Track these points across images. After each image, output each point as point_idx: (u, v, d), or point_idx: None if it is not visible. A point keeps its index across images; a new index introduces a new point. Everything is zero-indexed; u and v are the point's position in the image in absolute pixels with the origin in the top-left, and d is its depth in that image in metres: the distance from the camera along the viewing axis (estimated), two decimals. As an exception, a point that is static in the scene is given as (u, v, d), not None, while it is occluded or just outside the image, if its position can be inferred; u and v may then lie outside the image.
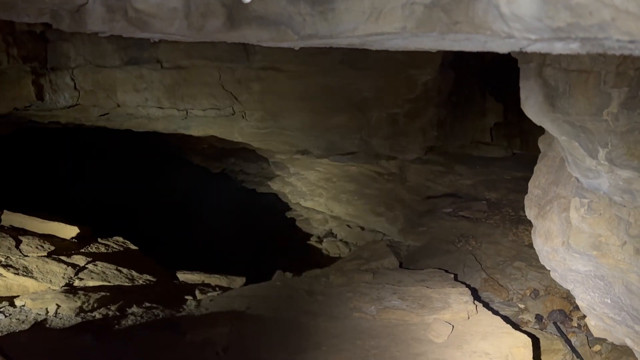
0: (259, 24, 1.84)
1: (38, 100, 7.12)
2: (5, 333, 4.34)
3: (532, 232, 4.18)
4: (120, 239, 6.80)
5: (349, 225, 9.15)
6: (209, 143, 9.90)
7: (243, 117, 7.40)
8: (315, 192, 9.36)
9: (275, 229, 10.44)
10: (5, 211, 6.56)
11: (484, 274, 6.16)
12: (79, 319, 4.74)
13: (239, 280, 6.28)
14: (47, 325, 4.60)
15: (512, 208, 7.30)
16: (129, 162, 11.59)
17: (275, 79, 6.99)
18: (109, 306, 5.02)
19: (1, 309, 4.73)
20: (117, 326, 4.72)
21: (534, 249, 4.22)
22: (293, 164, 9.29)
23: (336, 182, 9.05)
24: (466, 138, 7.78)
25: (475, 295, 5.51)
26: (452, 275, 5.91)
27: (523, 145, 8.57)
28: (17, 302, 4.88)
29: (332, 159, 8.06)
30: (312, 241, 9.72)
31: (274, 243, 10.18)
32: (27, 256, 5.66)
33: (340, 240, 9.29)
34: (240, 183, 11.40)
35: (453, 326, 4.64)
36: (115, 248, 6.59)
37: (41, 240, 6.10)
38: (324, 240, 9.55)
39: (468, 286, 5.63)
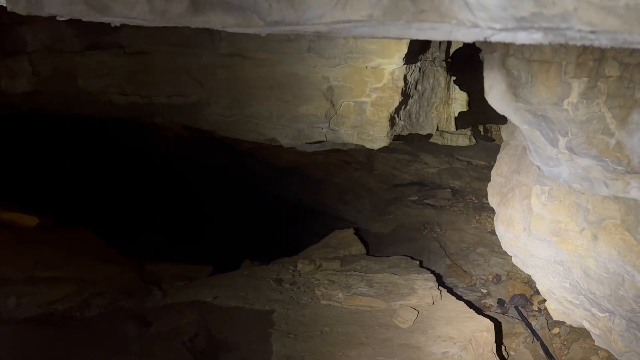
0: (224, 9, 1.80)
1: (-7, 86, 6.83)
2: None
3: (494, 219, 4.28)
4: (83, 229, 6.64)
5: (317, 213, 9.17)
6: (175, 131, 9.72)
7: (208, 104, 7.28)
8: (283, 180, 9.32)
9: (243, 217, 10.38)
10: (-41, 202, 6.32)
11: (448, 260, 6.30)
12: (40, 311, 4.62)
13: (206, 270, 6.23)
14: (7, 317, 4.47)
15: (475, 196, 7.46)
16: (94, 150, 11.27)
17: (242, 66, 6.88)
18: (71, 297, 4.91)
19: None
20: (80, 318, 4.62)
21: (497, 235, 4.33)
22: (261, 152, 9.20)
23: (304, 170, 9.04)
24: (431, 127, 7.87)
25: (440, 281, 5.63)
26: (418, 262, 6.01)
27: (486, 134, 8.73)
28: (-26, 295, 4.72)
29: (300, 148, 8.03)
30: (280, 230, 9.71)
31: (242, 232, 10.11)
32: (-17, 248, 5.46)
33: (307, 228, 9.31)
34: (206, 172, 11.25)
35: (418, 312, 4.74)
36: (78, 239, 6.43)
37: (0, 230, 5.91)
38: (292, 228, 9.55)
39: (433, 272, 5.74)
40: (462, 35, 1.64)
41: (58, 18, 2.51)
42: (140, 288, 5.43)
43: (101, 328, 4.49)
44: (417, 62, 6.91)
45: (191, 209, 10.65)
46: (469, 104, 8.01)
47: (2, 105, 7.67)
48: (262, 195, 10.24)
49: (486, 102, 3.38)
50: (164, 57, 6.73)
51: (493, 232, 5.65)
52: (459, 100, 7.94)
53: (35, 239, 6.14)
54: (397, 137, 8.00)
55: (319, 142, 7.74)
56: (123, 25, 2.53)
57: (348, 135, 7.25)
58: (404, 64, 6.56)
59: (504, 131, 4.50)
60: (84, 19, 2.09)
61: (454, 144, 8.74)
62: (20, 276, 5.24)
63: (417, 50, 6.72)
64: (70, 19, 2.50)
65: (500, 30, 1.34)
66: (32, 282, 5.15)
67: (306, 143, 7.76)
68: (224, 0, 1.74)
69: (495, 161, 4.51)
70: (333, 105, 6.99)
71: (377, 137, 7.07)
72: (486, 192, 4.59)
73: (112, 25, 2.16)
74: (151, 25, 2.00)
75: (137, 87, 6.92)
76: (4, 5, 3.03)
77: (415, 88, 7.14)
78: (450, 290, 5.50)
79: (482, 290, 5.81)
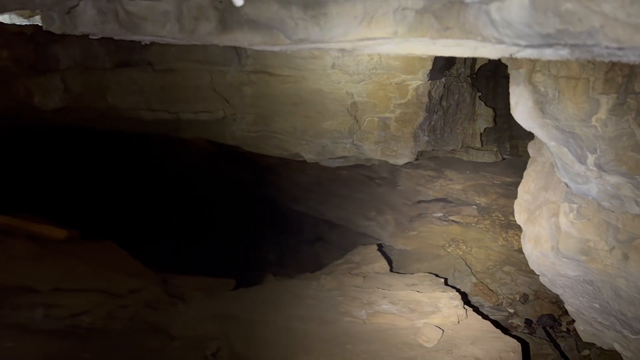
0: (251, 28, 1.84)
1: (28, 103, 7.06)
2: (-9, 337, 4.29)
3: (521, 236, 4.21)
4: (110, 242, 6.74)
5: (340, 230, 9.14)
6: (200, 146, 9.86)
7: (234, 120, 7.38)
8: (306, 196, 9.34)
9: (266, 232, 10.42)
10: (-8, 214, 6.49)
11: (474, 279, 6.19)
12: (66, 322, 4.70)
13: (229, 284, 6.25)
14: (34, 328, 4.55)
15: (502, 213, 7.34)
16: (123, 165, 11.51)
17: (267, 82, 6.98)
18: (97, 310, 4.98)
19: (-13, 313, 4.67)
20: (105, 330, 4.67)
21: (524, 253, 4.25)
22: (284, 167, 9.27)
23: (328, 186, 9.05)
24: (456, 143, 7.81)
25: (466, 300, 5.54)
26: (443, 280, 5.92)
27: (513, 150, 8.63)
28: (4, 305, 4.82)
29: (323, 163, 8.06)
30: (303, 245, 9.71)
31: (265, 247, 10.15)
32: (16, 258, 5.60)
33: (331, 244, 9.28)
34: (230, 186, 11.36)
35: (443, 330, 4.65)
36: (104, 251, 6.53)
37: (29, 242, 6.04)
38: (315, 244, 9.54)
39: (458, 290, 5.65)
40: (487, 51, 1.64)
41: (90, 36, 2.59)
42: (164, 301, 5.47)
43: (125, 341, 4.53)
44: (441, 78, 6.91)
45: (214, 223, 10.73)
46: (495, 119, 7.96)
47: (35, 121, 7.91)
48: (285, 210, 10.27)
49: (512, 118, 3.35)
50: (192, 74, 6.87)
51: (520, 250, 5.55)
52: (485, 116, 7.89)
53: (63, 251, 6.26)
54: (421, 153, 7.98)
55: (343, 157, 7.76)
56: (152, 43, 2.61)
57: (372, 150, 7.26)
58: (429, 80, 6.55)
59: (531, 147, 4.44)
60: (115, 38, 2.16)
61: (479, 160, 8.67)
62: (48, 288, 5.35)
63: (442, 66, 6.72)
64: (102, 37, 2.59)
65: (526, 46, 1.34)
66: (59, 294, 5.24)
67: (330, 158, 7.78)
68: (251, 19, 1.78)
69: (522, 178, 4.44)
70: (357, 120, 7.01)
71: (401, 153, 7.05)
72: (513, 209, 4.52)
73: (143, 43, 2.23)
74: (180, 43, 2.06)
75: (165, 104, 7.07)
76: (40, 24, 3.15)
77: (440, 104, 7.12)
78: (476, 309, 5.40)
79: (509, 309, 5.69)
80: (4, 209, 6.71)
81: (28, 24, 7.03)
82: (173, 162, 11.31)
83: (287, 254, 9.44)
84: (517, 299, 5.81)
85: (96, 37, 2.47)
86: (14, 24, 7.06)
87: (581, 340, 4.39)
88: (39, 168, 10.67)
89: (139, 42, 2.38)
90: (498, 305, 5.79)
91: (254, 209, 10.91)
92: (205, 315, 5.06)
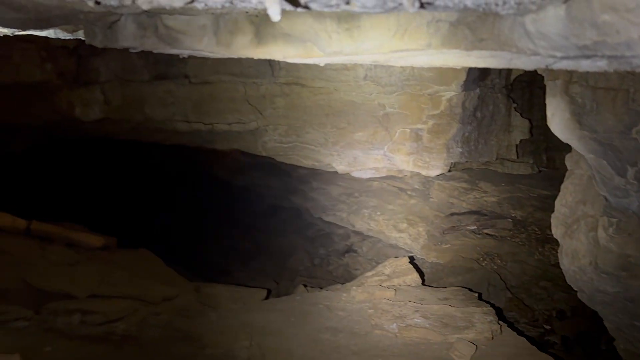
0: (285, 41, 1.87)
1: (69, 114, 7.32)
2: (26, 344, 4.41)
3: (558, 251, 4.11)
4: (145, 250, 6.88)
5: (370, 241, 9.09)
6: (233, 157, 10.01)
7: (267, 131, 7.48)
8: (337, 207, 9.34)
9: (297, 243, 10.45)
10: (34, 221, 6.71)
11: (509, 294, 6.06)
12: (102, 328, 4.80)
13: (260, 294, 6.28)
14: (71, 333, 4.67)
15: (538, 226, 7.17)
16: (155, 175, 11.77)
17: (300, 94, 7.06)
18: (131, 316, 5.08)
19: (26, 316, 4.82)
20: (139, 337, 4.76)
21: (561, 268, 4.14)
22: (315, 178, 9.30)
23: (358, 197, 9.03)
24: (491, 154, 7.70)
25: (500, 315, 5.41)
26: (476, 294, 5.81)
27: (549, 162, 8.45)
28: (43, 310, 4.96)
29: (354, 174, 8.07)
30: (333, 256, 9.69)
31: (295, 257, 10.18)
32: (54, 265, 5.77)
33: (362, 255, 9.23)
34: (262, 197, 11.47)
35: (477, 346, 4.56)
36: (140, 259, 6.67)
37: (68, 249, 6.22)
38: (346, 255, 9.50)
39: (492, 305, 5.53)
40: (522, 63, 1.63)
41: (130, 50, 2.68)
42: (196, 309, 5.54)
43: (158, 348, 4.61)
44: (476, 89, 6.84)
45: (246, 234, 10.83)
46: (531, 131, 7.81)
47: (75, 132, 8.19)
48: (316, 220, 10.29)
49: (549, 129, 3.29)
50: (226, 86, 7.01)
51: (557, 265, 5.40)
52: (521, 128, 7.76)
53: (100, 258, 6.42)
54: (454, 165, 7.89)
55: (374, 168, 7.75)
56: (189, 57, 2.68)
57: (403, 162, 7.22)
58: (463, 91, 6.50)
59: (568, 160, 4.33)
60: (154, 51, 2.23)
61: (515, 172, 8.51)
62: (85, 294, 5.49)
63: (476, 77, 6.66)
64: (141, 51, 2.67)
65: (562, 58, 1.32)
66: (95, 300, 5.37)
67: (360, 169, 7.78)
68: (285, 33, 1.81)
69: (559, 191, 4.34)
70: (388, 132, 7.00)
71: (434, 165, 6.99)
72: (550, 222, 4.41)
73: (180, 57, 2.29)
74: (217, 56, 2.11)
75: (201, 115, 7.23)
76: (83, 38, 3.27)
77: (474, 115, 7.04)
78: (511, 325, 5.27)
79: (545, 326, 5.54)
80: (44, 216, 6.94)
81: (71, 38, 7.31)
82: (206, 173, 11.50)
83: (317, 265, 9.44)
84: (554, 315, 5.65)
85: (136, 51, 2.56)
86: (59, 38, 7.36)
87: (621, 359, 4.23)
88: (78, 177, 11.02)
89: (177, 55, 2.45)
90: (534, 321, 5.64)
91: (284, 219, 10.97)
92: (237, 325, 5.09)
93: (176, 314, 5.31)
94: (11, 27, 2.71)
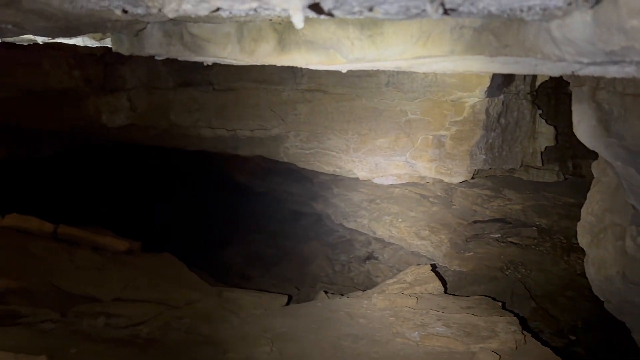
0: (308, 48, 1.89)
1: (96, 120, 7.48)
2: (52, 346, 4.50)
3: (584, 260, 4.02)
4: (168, 254, 6.97)
5: (392, 248, 9.04)
6: (255, 162, 10.08)
7: (288, 137, 7.52)
8: (358, 214, 9.33)
9: (318, 249, 10.45)
10: (61, 225, 6.87)
11: (534, 303, 5.95)
12: (126, 332, 4.87)
13: (281, 299, 6.30)
14: (96, 336, 4.74)
15: (563, 235, 7.04)
16: (177, 180, 11.93)
17: (321, 100, 7.09)
18: (154, 320, 5.14)
19: (53, 319, 4.92)
20: (162, 340, 4.81)
21: (587, 278, 4.05)
22: (337, 184, 9.30)
23: (380, 203, 9.00)
24: (516, 162, 7.59)
25: (524, 325, 5.32)
26: (500, 303, 5.72)
27: (575, 170, 8.29)
28: (69, 313, 5.06)
29: (376, 180, 8.05)
30: (354, 263, 9.65)
31: (316, 263, 10.18)
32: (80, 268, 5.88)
33: (383, 263, 9.18)
34: (283, 203, 11.51)
35: (500, 356, 4.49)
36: (163, 263, 6.76)
37: (93, 253, 6.34)
38: (367, 262, 9.46)
39: (517, 315, 5.44)
40: (547, 69, 1.61)
41: (156, 58, 2.73)
42: (218, 314, 5.58)
43: (180, 352, 4.65)
44: (500, 95, 6.77)
45: (268, 239, 10.87)
46: (557, 138, 7.68)
47: (102, 138, 8.37)
48: (337, 227, 10.27)
49: (575, 136, 3.23)
50: (249, 93, 7.09)
51: (583, 275, 5.29)
52: (546, 134, 7.65)
53: (124, 262, 6.52)
54: (478, 172, 7.81)
55: (395, 175, 7.72)
56: (213, 64, 2.71)
57: (426, 168, 7.18)
58: (486, 97, 6.44)
59: (595, 167, 4.25)
60: (179, 59, 2.26)
61: (540, 180, 8.38)
62: (109, 297, 5.58)
63: (500, 83, 6.59)
64: (166, 58, 2.72)
65: (589, 64, 1.30)
66: (120, 303, 5.46)
67: (382, 176, 7.76)
68: (308, 40, 1.82)
69: (585, 199, 4.25)
70: (410, 138, 6.97)
71: (457, 171, 6.94)
72: (576, 231, 4.32)
73: (205, 64, 2.33)
74: (240, 64, 2.14)
75: (224, 121, 7.32)
76: (109, 46, 3.34)
77: (498, 121, 6.96)
78: (536, 335, 5.17)
79: (571, 337, 5.42)
80: (71, 220, 7.09)
81: (99, 45, 7.48)
82: (228, 179, 11.61)
83: (338, 271, 9.41)
84: (580, 325, 5.53)
85: (161, 58, 2.61)
86: (86, 46, 7.53)
87: (651, 373, 4.11)
88: (103, 182, 11.23)
89: (201, 62, 2.48)
90: (559, 331, 5.52)
91: (305, 225, 10.99)
92: (258, 330, 5.11)
93: (198, 318, 5.35)
94: (41, 35, 2.78)
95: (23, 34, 2.56)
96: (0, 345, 4.03)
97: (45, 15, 1.99)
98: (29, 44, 3.89)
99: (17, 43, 3.77)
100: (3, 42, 3.00)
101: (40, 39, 2.95)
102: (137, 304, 5.46)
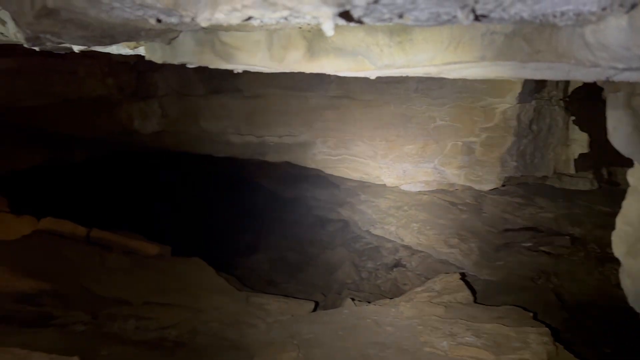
0: (337, 55, 1.90)
1: (128, 126, 7.65)
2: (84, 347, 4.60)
3: (619, 271, 3.90)
4: (197, 259, 7.06)
5: (420, 256, 8.95)
6: (283, 169, 10.14)
7: (316, 143, 7.54)
8: (385, 220, 9.27)
9: (344, 256, 10.42)
10: (94, 229, 7.03)
11: (566, 314, 5.80)
12: (155, 335, 4.95)
13: (308, 306, 6.30)
14: (126, 339, 4.83)
15: (598, 245, 6.85)
16: (206, 186, 12.09)
17: (349, 107, 7.08)
18: (183, 324, 5.20)
19: (84, 320, 5.03)
20: (189, 344, 4.87)
21: (622, 289, 3.92)
22: (364, 191, 9.27)
23: (407, 210, 8.93)
24: (548, 169, 7.43)
25: (556, 336, 5.19)
26: (531, 314, 5.60)
27: (610, 178, 8.08)
28: (100, 315, 5.17)
29: (404, 187, 7.99)
30: (382, 270, 9.58)
31: (342, 269, 10.14)
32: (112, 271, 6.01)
33: (411, 270, 9.09)
34: (310, 209, 11.53)
35: (531, 368, 4.39)
36: (192, 268, 6.85)
37: (125, 257, 6.47)
38: (394, 269, 9.38)
39: (548, 326, 5.31)
40: (581, 75, 1.57)
41: (187, 65, 2.79)
42: (245, 319, 5.62)
43: (208, 356, 4.69)
44: (531, 101, 6.64)
45: (294, 245, 10.89)
46: (591, 145, 7.49)
47: (134, 144, 8.54)
48: (364, 233, 10.23)
49: (609, 143, 3.15)
50: (277, 99, 7.14)
51: (618, 286, 5.13)
52: (579, 141, 7.46)
53: (154, 266, 6.64)
54: (508, 179, 7.67)
55: (424, 182, 7.65)
56: (243, 71, 2.75)
57: (455, 175, 7.10)
58: (517, 103, 6.34)
59: (631, 175, 4.12)
60: (210, 67, 2.30)
61: (573, 188, 8.18)
62: (140, 301, 5.68)
63: (532, 89, 6.48)
64: (198, 66, 2.77)
65: (624, 70, 1.27)
66: (149, 307, 5.55)
67: (410, 182, 7.70)
68: (337, 47, 1.83)
69: (620, 207, 4.13)
70: (439, 144, 6.90)
71: (487, 179, 6.83)
72: (610, 241, 4.20)
73: (235, 72, 2.36)
74: (270, 71, 2.16)
75: (252, 128, 7.38)
76: (142, 54, 3.42)
77: (530, 128, 6.84)
78: (568, 347, 5.03)
79: (605, 349, 5.26)
80: (104, 224, 7.25)
81: (132, 54, 7.66)
82: (255, 184, 11.70)
83: (365, 278, 9.36)
84: (614, 338, 5.36)
85: (192, 66, 2.65)
86: (120, 54, 7.73)
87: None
88: (135, 187, 11.46)
89: (231, 70, 2.52)
90: (593, 344, 5.37)
91: (332, 231, 10.97)
92: (285, 336, 5.12)
93: (226, 322, 5.40)
94: (78, 45, 2.87)
95: (60, 44, 2.65)
96: (34, 346, 4.14)
97: (82, 24, 2.05)
98: (65, 53, 4.01)
99: (54, 52, 3.90)
100: (41, 51, 3.10)
101: (76, 48, 3.05)
102: (166, 307, 5.54)
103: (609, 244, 4.40)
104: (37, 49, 2.78)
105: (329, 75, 6.96)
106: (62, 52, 3.72)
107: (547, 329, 5.12)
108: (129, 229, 7.52)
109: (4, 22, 2.79)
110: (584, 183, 8.14)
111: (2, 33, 2.93)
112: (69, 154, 9.06)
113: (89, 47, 2.90)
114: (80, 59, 6.96)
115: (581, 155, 7.64)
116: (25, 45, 2.69)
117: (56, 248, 6.51)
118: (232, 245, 10.56)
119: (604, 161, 7.99)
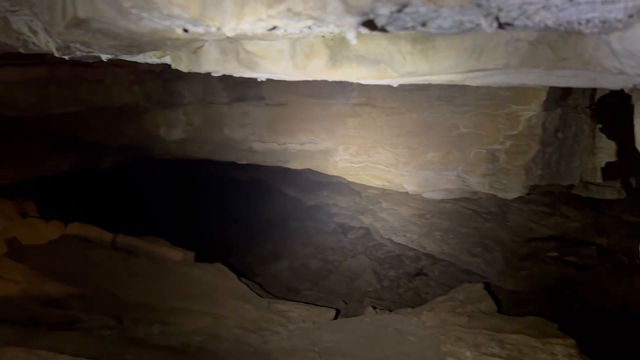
0: (359, 63, 1.91)
1: (154, 134, 7.78)
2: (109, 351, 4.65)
3: (650, 282, 3.80)
4: (220, 265, 7.11)
5: (442, 265, 8.86)
6: (305, 176, 10.17)
7: (338, 151, 7.55)
8: (407, 228, 9.21)
9: (366, 263, 10.37)
10: (120, 234, 7.15)
11: (593, 325, 5.67)
12: (179, 340, 4.99)
13: (330, 313, 6.29)
14: (151, 343, 4.89)
15: (626, 255, 6.69)
16: (228, 193, 12.19)
17: (371, 114, 7.08)
18: (205, 330, 5.24)
19: (110, 325, 5.10)
20: (212, 350, 4.90)
21: (653, 301, 3.83)
22: (386, 198, 9.23)
23: (430, 218, 8.86)
24: (574, 178, 7.29)
25: (582, 348, 5.07)
26: (557, 325, 5.49)
27: (639, 187, 7.89)
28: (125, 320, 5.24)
29: (426, 195, 7.94)
30: (403, 278, 9.51)
31: (364, 277, 10.10)
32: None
33: (433, 279, 9.00)
34: (332, 216, 11.52)
35: (557, 380, 4.30)
36: (215, 274, 6.90)
37: (149, 262, 6.56)
38: (416, 278, 9.30)
39: (575, 337, 5.20)
40: (607, 82, 1.56)
41: (212, 74, 2.83)
42: (267, 326, 5.64)
43: (230, 362, 4.72)
44: (557, 109, 6.54)
45: (316, 252, 10.89)
46: (618, 153, 7.33)
47: (159, 151, 8.68)
48: (386, 241, 10.18)
49: (638, 152, 3.08)
50: (300, 107, 7.18)
51: (648, 298, 5.01)
52: (606, 149, 7.31)
53: (179, 272, 6.71)
54: (534, 188, 7.55)
55: (447, 190, 7.58)
56: (266, 79, 2.78)
57: (478, 184, 7.01)
58: (543, 111, 6.25)
59: (661, 184, 4.03)
60: (235, 75, 2.34)
61: (600, 197, 8.01)
62: (164, 306, 5.75)
63: (558, 96, 6.38)
64: (221, 75, 2.81)
65: (653, 76, 1.25)
66: (173, 312, 5.61)
67: (433, 190, 7.64)
68: (360, 55, 1.85)
69: (649, 217, 4.04)
70: (462, 152, 6.83)
71: (512, 187, 6.73)
72: (639, 251, 4.11)
73: (258, 80, 2.39)
74: (293, 79, 2.18)
75: (275, 135, 7.44)
76: (168, 63, 3.49)
77: (555, 136, 6.73)
78: (595, 359, 4.92)
79: (634, 363, 5.12)
80: (128, 229, 7.37)
81: (158, 62, 7.81)
82: (277, 191, 11.76)
83: (387, 287, 9.30)
84: (645, 352, 5.22)
85: (217, 75, 2.70)
86: (146, 63, 7.89)
87: None
88: (159, 194, 11.62)
89: (254, 78, 2.55)
90: (619, 357, 5.24)
91: (353, 239, 10.94)
92: (306, 343, 5.12)
93: (248, 329, 5.42)
94: (106, 54, 2.94)
95: (90, 53, 2.72)
96: (60, 349, 4.22)
97: (111, 34, 2.11)
98: (94, 62, 4.11)
99: (83, 61, 4.00)
100: (70, 60, 3.19)
101: (104, 57, 3.12)
102: (190, 312, 5.59)
103: (637, 254, 4.30)
104: (66, 57, 2.86)
105: (351, 83, 6.98)
106: (91, 61, 3.81)
107: (573, 340, 5.02)
108: (153, 235, 7.63)
109: (35, 32, 2.89)
110: (612, 192, 7.96)
111: (33, 42, 3.02)
112: (97, 161, 9.24)
113: (117, 56, 2.97)
114: (107, 67, 7.11)
115: (608, 163, 7.48)
116: (56, 54, 2.77)
117: (83, 253, 6.64)
118: (254, 251, 10.61)
119: (633, 170, 7.81)
